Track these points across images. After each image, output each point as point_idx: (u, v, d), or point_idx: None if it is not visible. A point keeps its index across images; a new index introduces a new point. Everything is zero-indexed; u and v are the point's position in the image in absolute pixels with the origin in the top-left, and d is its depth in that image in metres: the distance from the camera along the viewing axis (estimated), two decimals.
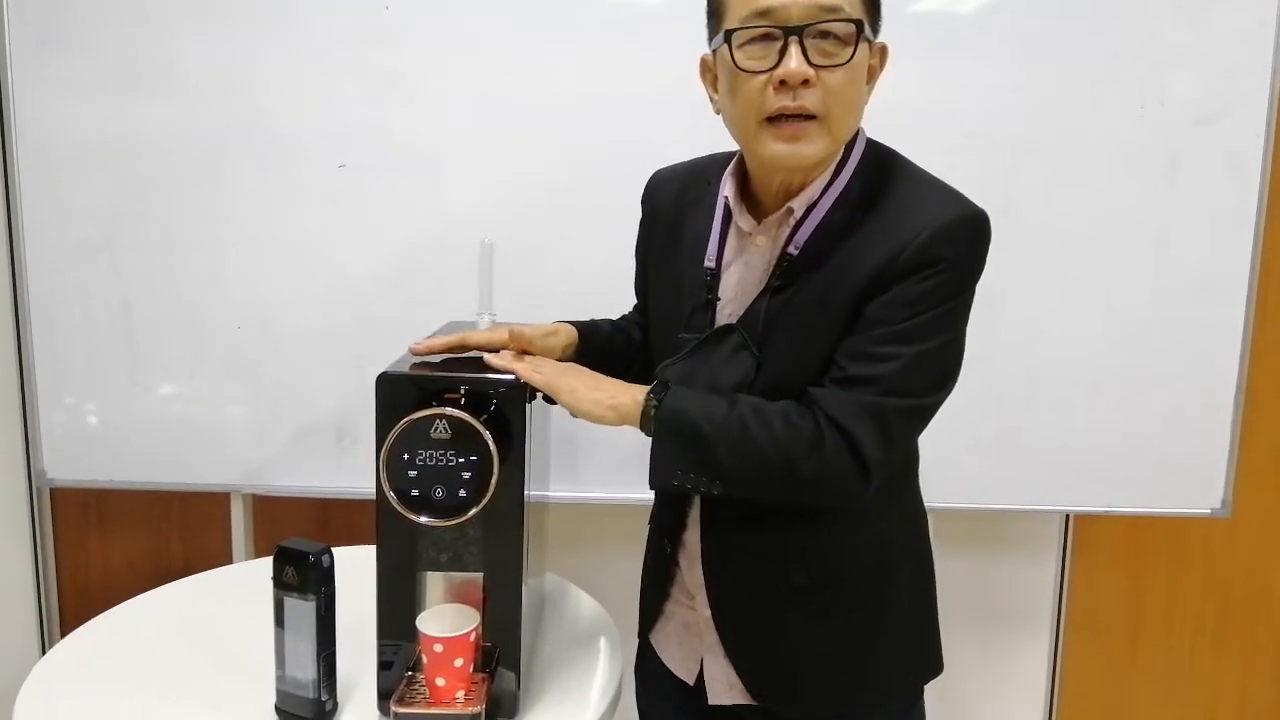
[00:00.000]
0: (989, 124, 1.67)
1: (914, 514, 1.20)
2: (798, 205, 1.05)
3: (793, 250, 1.05)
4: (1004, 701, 2.03)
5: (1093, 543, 2.01)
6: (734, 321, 1.08)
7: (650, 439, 1.04)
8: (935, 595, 1.22)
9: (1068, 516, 1.98)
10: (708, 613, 1.16)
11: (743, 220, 1.10)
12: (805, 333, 1.04)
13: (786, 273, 1.05)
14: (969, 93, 1.67)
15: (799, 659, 1.13)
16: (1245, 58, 1.65)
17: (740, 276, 1.10)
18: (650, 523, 1.29)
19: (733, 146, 1.12)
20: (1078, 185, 1.69)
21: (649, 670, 1.29)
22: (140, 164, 1.75)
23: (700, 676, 1.19)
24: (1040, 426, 1.75)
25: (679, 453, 1.01)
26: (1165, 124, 1.67)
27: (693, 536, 1.17)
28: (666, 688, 1.25)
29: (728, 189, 1.11)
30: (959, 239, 0.99)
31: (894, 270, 0.99)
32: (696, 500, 1.16)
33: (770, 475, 1.00)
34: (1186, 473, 1.77)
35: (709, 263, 1.11)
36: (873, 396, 0.98)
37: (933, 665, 1.22)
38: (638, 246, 1.27)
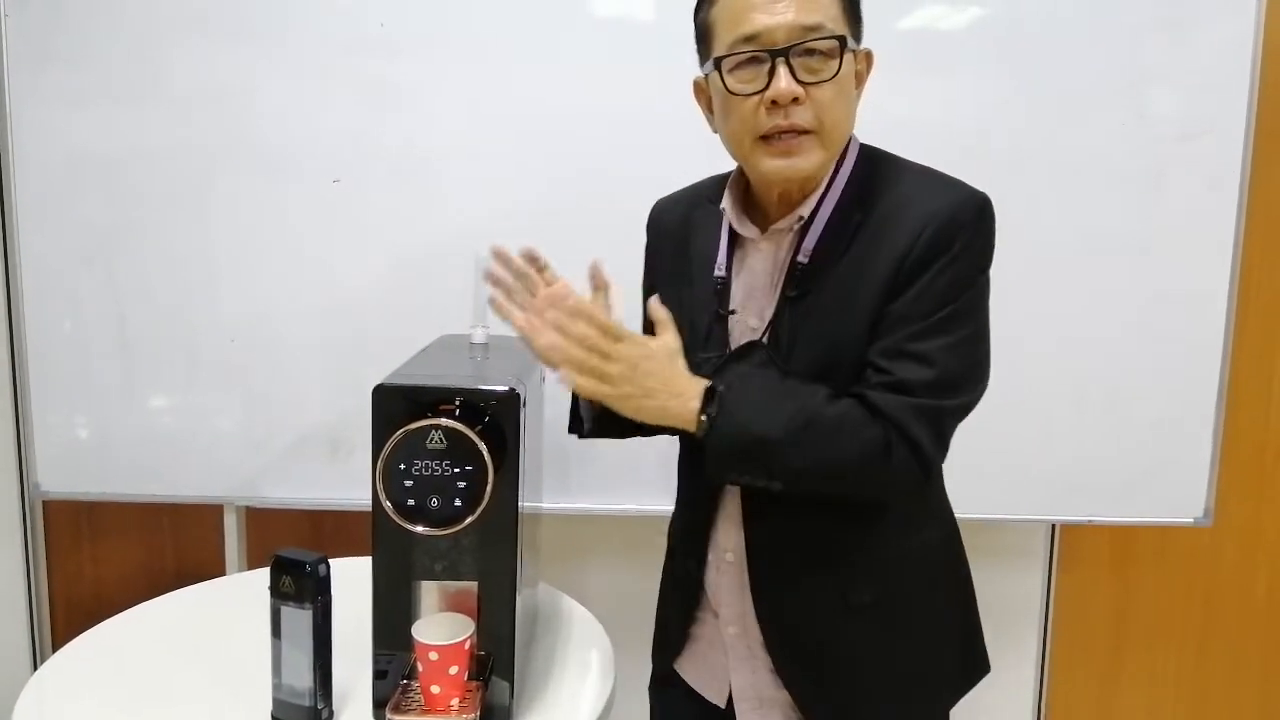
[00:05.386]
0: (974, 139, 1.69)
1: (947, 514, 1.20)
2: (806, 211, 1.06)
3: (803, 259, 1.06)
4: (991, 711, 2.04)
5: (1078, 552, 2.03)
6: (755, 334, 1.08)
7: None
8: (974, 593, 1.22)
9: (1054, 526, 2.00)
10: (732, 630, 1.16)
11: (743, 229, 1.11)
12: (828, 339, 1.04)
13: (800, 281, 1.06)
14: (954, 108, 1.69)
15: (854, 673, 1.13)
16: (1226, 75, 1.68)
17: (747, 284, 1.11)
18: (669, 548, 1.28)
19: (729, 166, 1.14)
20: (1061, 200, 1.71)
21: (674, 700, 1.26)
22: (137, 177, 1.76)
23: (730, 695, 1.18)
24: (1025, 438, 1.77)
25: (739, 464, 1.01)
26: (1148, 140, 1.70)
27: (719, 553, 1.16)
28: (693, 716, 1.23)
29: (725, 201, 1.12)
30: (967, 223, 1.00)
31: (910, 265, 0.99)
32: (727, 514, 1.14)
33: (835, 481, 1.02)
34: (1169, 483, 1.79)
35: (719, 272, 1.12)
36: (928, 399, 0.99)
37: (981, 664, 1.22)
38: (644, 277, 1.26)
